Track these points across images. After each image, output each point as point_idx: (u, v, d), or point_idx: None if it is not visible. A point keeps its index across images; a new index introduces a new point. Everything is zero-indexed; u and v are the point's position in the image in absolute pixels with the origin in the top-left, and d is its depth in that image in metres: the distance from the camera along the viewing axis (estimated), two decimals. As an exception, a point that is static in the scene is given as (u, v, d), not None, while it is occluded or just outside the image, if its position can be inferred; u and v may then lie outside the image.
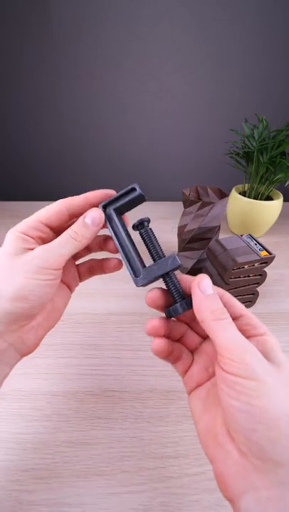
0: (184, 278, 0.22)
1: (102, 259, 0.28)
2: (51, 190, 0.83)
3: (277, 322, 0.40)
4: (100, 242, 0.27)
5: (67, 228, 0.22)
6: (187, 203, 0.43)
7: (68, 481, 0.24)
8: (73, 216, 0.23)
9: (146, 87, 0.69)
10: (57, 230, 0.23)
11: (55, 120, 0.72)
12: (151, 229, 0.24)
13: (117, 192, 0.23)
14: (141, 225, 0.24)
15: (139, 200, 0.24)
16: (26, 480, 0.24)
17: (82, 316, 0.40)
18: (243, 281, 0.38)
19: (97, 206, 0.23)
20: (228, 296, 0.20)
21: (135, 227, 0.24)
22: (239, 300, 0.40)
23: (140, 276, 0.23)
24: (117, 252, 0.26)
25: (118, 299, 0.44)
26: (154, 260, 0.23)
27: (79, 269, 0.28)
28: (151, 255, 0.24)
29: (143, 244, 0.24)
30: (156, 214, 0.71)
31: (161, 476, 0.25)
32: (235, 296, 0.40)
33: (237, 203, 0.56)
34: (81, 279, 0.28)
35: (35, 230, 0.22)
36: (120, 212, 0.25)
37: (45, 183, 0.82)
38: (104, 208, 0.24)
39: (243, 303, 0.41)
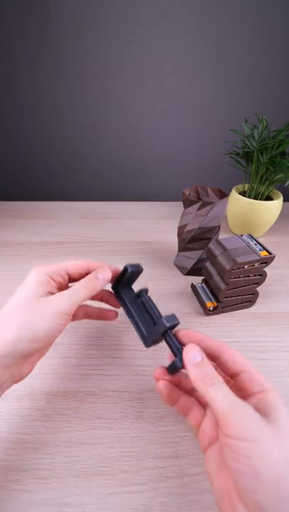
0: (183, 333, 0.24)
1: (101, 308, 0.33)
2: (51, 190, 0.83)
3: (277, 322, 0.40)
4: (103, 296, 0.33)
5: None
6: (187, 203, 0.43)
7: (68, 481, 0.24)
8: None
9: (146, 87, 0.69)
10: (72, 279, 0.28)
11: (55, 120, 0.72)
12: (149, 296, 0.30)
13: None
14: (141, 294, 0.30)
15: (136, 274, 0.30)
16: (26, 480, 0.24)
17: (82, 316, 0.41)
18: (243, 281, 0.38)
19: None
20: (231, 351, 0.22)
21: (136, 296, 0.31)
22: (239, 300, 0.41)
23: (146, 336, 0.28)
24: (118, 307, 0.33)
25: (118, 299, 0.44)
26: (154, 323, 0.28)
27: (76, 311, 0.29)
28: (152, 319, 0.29)
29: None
30: (156, 214, 0.71)
31: (161, 476, 0.25)
32: (235, 296, 0.40)
33: (237, 203, 0.56)
34: (73, 319, 0.30)
35: (59, 276, 0.26)
36: (128, 284, 0.31)
37: (45, 183, 0.82)
38: (114, 288, 0.31)
39: (243, 303, 0.41)
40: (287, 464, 0.15)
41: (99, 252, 0.55)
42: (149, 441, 0.27)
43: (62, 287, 0.27)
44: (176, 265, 0.51)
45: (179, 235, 0.47)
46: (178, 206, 0.75)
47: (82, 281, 0.26)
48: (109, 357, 0.35)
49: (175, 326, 0.25)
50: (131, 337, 0.37)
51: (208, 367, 0.20)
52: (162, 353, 0.35)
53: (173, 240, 0.59)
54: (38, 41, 0.63)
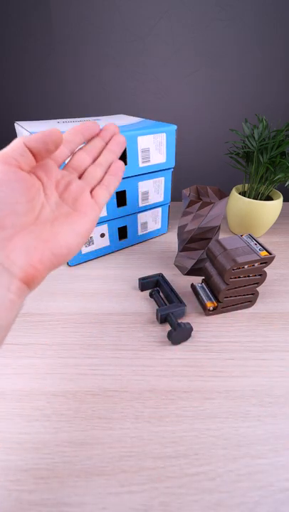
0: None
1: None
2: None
3: (277, 322, 0.40)
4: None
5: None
6: (187, 203, 0.43)
7: (68, 481, 0.24)
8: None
9: (147, 87, 0.69)
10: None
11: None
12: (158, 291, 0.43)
13: None
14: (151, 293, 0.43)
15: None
16: (26, 480, 0.24)
17: (82, 316, 0.41)
18: (243, 281, 0.38)
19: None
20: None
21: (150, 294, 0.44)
22: (239, 300, 0.41)
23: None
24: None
25: (118, 299, 0.44)
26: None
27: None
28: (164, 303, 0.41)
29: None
30: (156, 214, 0.71)
31: (161, 476, 0.25)
32: (235, 296, 0.40)
33: (237, 203, 0.56)
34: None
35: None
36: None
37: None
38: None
39: (243, 303, 0.41)
40: None
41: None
42: (149, 441, 0.27)
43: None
44: (176, 265, 0.51)
45: (179, 235, 0.47)
46: (178, 206, 0.75)
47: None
48: (109, 357, 0.35)
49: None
50: (131, 337, 0.37)
51: None
52: (163, 353, 0.35)
53: (173, 240, 0.59)
54: (38, 41, 0.63)
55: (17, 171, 0.20)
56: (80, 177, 0.26)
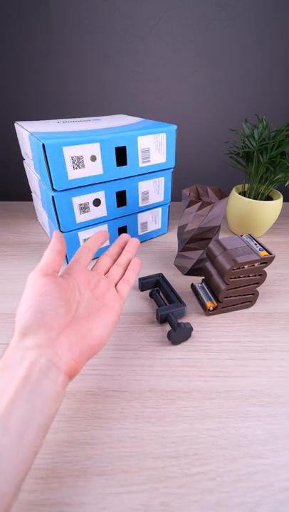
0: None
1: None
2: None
3: (278, 322, 0.40)
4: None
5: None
6: (187, 203, 0.43)
7: (68, 481, 0.24)
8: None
9: (147, 87, 0.69)
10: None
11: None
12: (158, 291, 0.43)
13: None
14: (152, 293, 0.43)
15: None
16: (26, 480, 0.24)
17: (82, 316, 0.40)
18: (243, 281, 0.38)
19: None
20: None
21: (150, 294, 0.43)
22: (239, 300, 0.41)
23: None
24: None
25: (118, 299, 0.44)
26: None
27: (117, 288, 0.31)
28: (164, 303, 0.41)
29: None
30: (156, 214, 0.71)
31: (161, 476, 0.25)
32: (235, 296, 0.40)
33: (237, 203, 0.56)
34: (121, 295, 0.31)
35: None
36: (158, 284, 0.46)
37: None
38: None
39: (243, 303, 0.41)
40: None
41: (99, 251, 0.55)
42: (149, 441, 0.27)
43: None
44: (176, 265, 0.51)
45: (179, 235, 0.47)
46: (178, 206, 0.75)
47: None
48: (109, 357, 0.35)
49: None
50: (131, 337, 0.37)
51: None
52: (163, 353, 0.35)
53: (173, 240, 0.59)
54: (38, 41, 0.63)
55: (55, 279, 0.24)
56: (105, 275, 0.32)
